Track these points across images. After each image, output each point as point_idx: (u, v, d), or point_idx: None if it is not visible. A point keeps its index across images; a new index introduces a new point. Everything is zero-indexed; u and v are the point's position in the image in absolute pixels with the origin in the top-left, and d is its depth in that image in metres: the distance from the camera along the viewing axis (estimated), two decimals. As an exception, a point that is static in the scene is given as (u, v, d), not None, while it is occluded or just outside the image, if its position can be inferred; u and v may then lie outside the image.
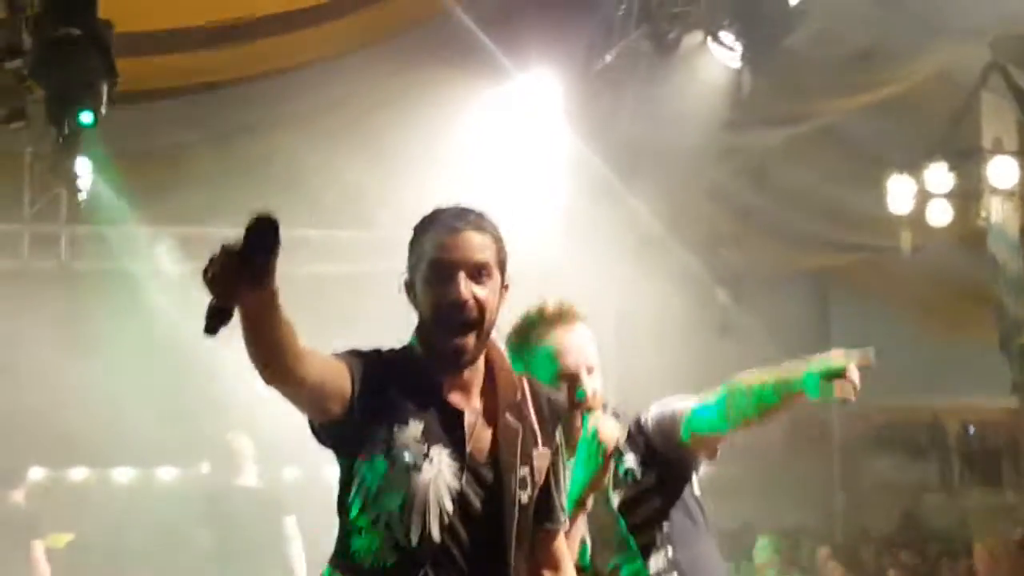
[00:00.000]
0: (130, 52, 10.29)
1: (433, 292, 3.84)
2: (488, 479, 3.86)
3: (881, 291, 16.56)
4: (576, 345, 4.69)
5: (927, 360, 16.18)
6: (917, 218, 12.39)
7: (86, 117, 9.37)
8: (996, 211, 12.05)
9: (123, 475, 16.48)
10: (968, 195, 12.26)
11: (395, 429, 3.79)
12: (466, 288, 3.82)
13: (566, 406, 4.18)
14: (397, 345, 4.01)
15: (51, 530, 15.28)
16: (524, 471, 3.90)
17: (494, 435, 3.90)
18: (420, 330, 3.93)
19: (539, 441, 3.97)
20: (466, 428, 3.85)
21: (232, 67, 11.83)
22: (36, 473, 16.67)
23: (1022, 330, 12.51)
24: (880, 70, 11.14)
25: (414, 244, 3.93)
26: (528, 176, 12.46)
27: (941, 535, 15.78)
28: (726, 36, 10.14)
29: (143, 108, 11.49)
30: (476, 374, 3.93)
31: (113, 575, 13.75)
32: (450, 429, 3.83)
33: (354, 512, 3.86)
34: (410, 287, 3.94)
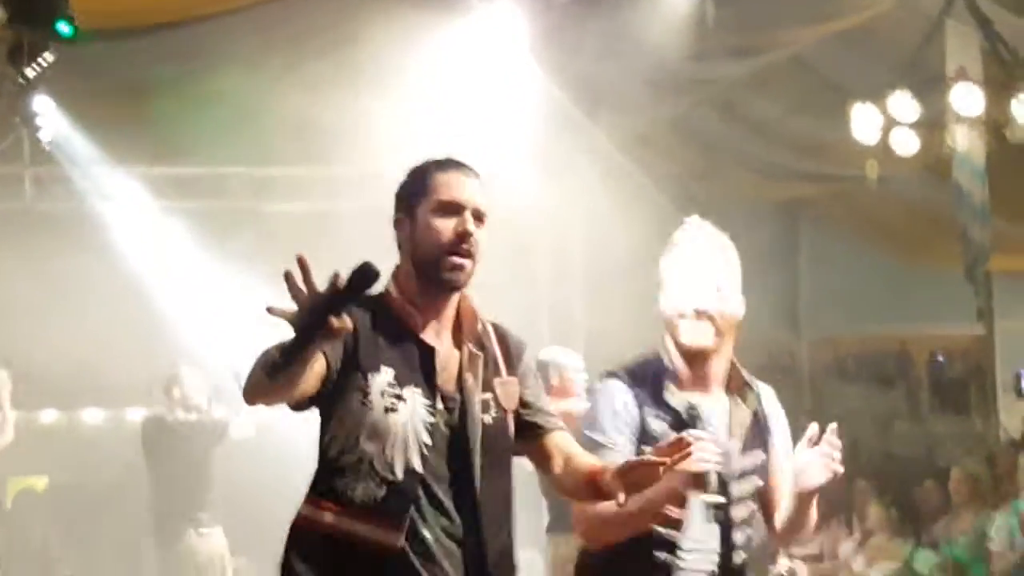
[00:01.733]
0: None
1: (443, 225, 4.28)
2: (456, 402, 4.25)
3: (848, 221, 16.60)
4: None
5: (894, 289, 16.24)
6: (882, 147, 12.39)
7: (64, 27, 9.27)
8: (961, 140, 12.04)
9: (93, 416, 16.49)
10: (933, 124, 12.25)
11: (368, 377, 4.15)
12: (471, 225, 4.30)
13: (523, 347, 4.56)
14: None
15: (24, 473, 15.36)
16: (487, 396, 4.31)
17: (460, 362, 4.32)
18: (414, 263, 4.33)
19: (502, 371, 4.40)
20: (437, 364, 4.23)
21: (191, 5, 11.74)
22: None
23: (987, 258, 12.56)
24: (844, -1, 11.12)
25: (416, 183, 4.39)
26: (491, 110, 12.39)
27: (911, 462, 15.89)
28: (690, -35, 10.13)
29: (102, 47, 11.40)
30: (449, 311, 4.36)
31: (87, 516, 13.79)
32: (423, 366, 4.22)
33: (334, 452, 4.18)
34: (406, 224, 4.38)
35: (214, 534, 11.33)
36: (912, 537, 12.80)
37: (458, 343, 4.34)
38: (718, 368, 4.96)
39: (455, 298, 4.36)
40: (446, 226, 4.26)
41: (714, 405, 4.91)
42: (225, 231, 13.85)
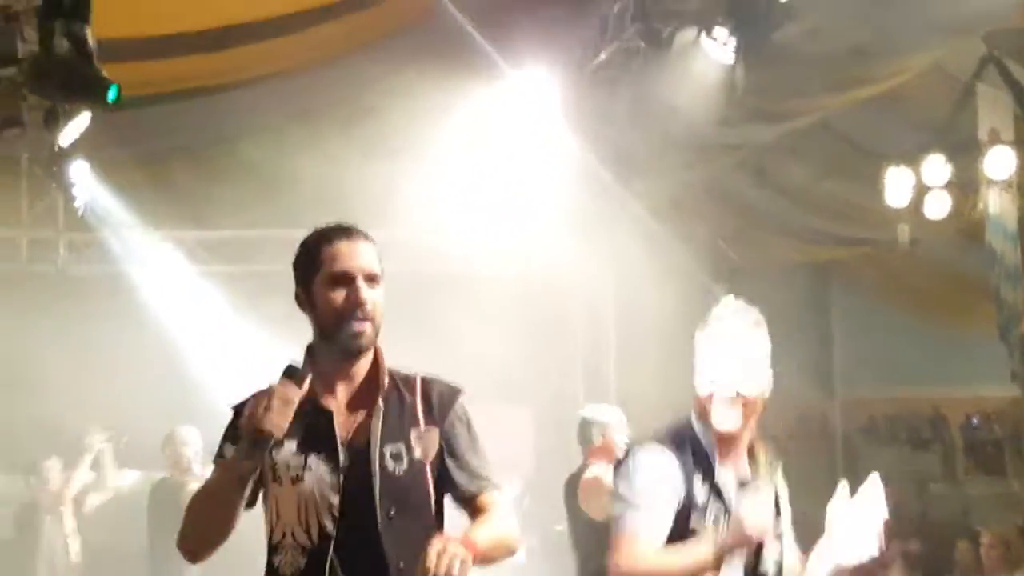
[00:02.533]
0: (120, 58, 10.27)
1: (336, 296, 4.38)
2: (360, 457, 4.34)
3: (881, 284, 16.57)
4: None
5: (928, 351, 16.19)
6: (915, 210, 12.40)
7: (111, 93, 9.38)
8: (993, 202, 12.04)
9: (126, 479, 16.49)
10: (965, 186, 12.25)
11: (274, 454, 4.33)
12: (365, 292, 4.38)
13: (454, 397, 4.53)
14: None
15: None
16: (397, 447, 4.36)
17: (366, 417, 4.40)
18: (319, 335, 4.45)
19: (421, 422, 4.43)
20: (336, 425, 4.35)
21: (223, 72, 11.83)
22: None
23: (1021, 319, 12.52)
24: (875, 64, 11.12)
25: (307, 258, 4.49)
26: (524, 175, 12.46)
27: (945, 525, 15.78)
28: (720, 32, 10.13)
29: (136, 114, 11.49)
30: (360, 370, 4.46)
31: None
32: (323, 430, 4.35)
33: (269, 533, 4.41)
34: (304, 297, 4.49)
35: None
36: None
37: (372, 398, 4.42)
38: (744, 442, 5.07)
39: (367, 358, 4.46)
40: (339, 297, 4.37)
41: (743, 477, 5.04)
42: (258, 294, 13.91)
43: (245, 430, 4.17)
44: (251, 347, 13.75)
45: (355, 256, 4.42)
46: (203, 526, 4.27)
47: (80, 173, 12.09)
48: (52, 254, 14.23)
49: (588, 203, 12.99)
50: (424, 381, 4.53)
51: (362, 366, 4.45)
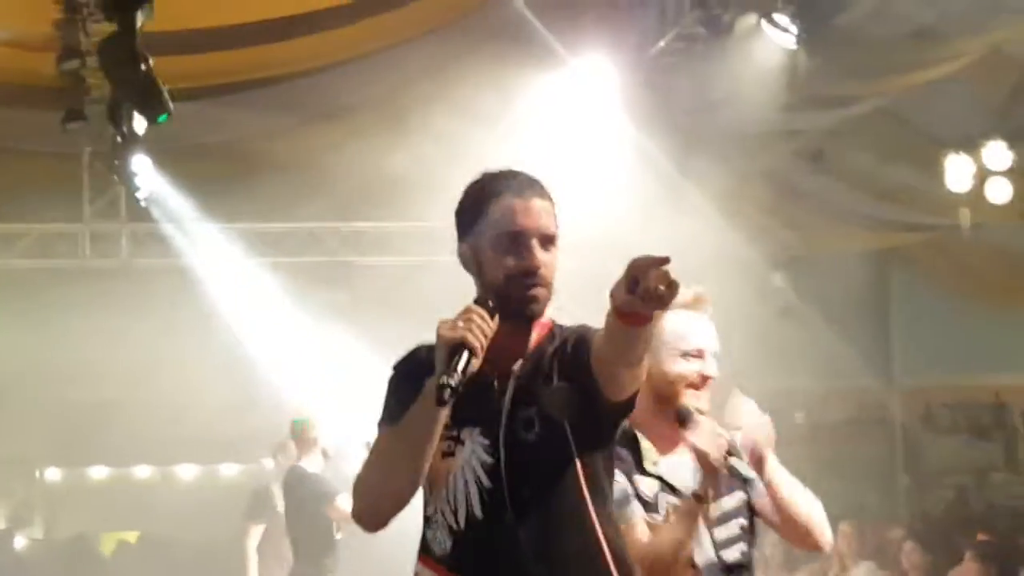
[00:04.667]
0: (187, 49, 10.35)
1: (507, 259, 3.83)
2: (497, 429, 3.84)
3: (941, 270, 16.47)
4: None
5: (989, 338, 16.07)
6: (976, 196, 12.33)
7: (161, 118, 9.43)
8: (1055, 187, 11.98)
9: (186, 472, 16.62)
10: (1027, 172, 12.19)
11: None
12: (539, 256, 3.84)
13: (590, 337, 3.86)
14: None
15: (117, 527, 15.47)
16: (528, 412, 3.81)
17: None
18: (486, 294, 3.86)
19: (554, 377, 3.86)
20: (496, 395, 3.83)
21: (289, 61, 11.89)
22: (100, 472, 16.87)
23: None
24: (935, 48, 11.06)
25: (476, 209, 3.93)
26: (584, 163, 12.45)
27: (1010, 515, 15.68)
28: (780, 17, 10.09)
29: (200, 105, 11.56)
30: (520, 336, 3.90)
31: (180, 568, 13.86)
32: (482, 402, 3.81)
33: (423, 503, 3.91)
34: (469, 255, 3.94)
35: None
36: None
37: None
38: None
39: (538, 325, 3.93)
40: (511, 259, 3.82)
41: (684, 462, 4.81)
42: (318, 285, 13.96)
43: (441, 343, 3.62)
44: (312, 337, 13.82)
45: (530, 215, 3.86)
46: (391, 479, 3.75)
47: (142, 165, 12.16)
48: (115, 247, 14.33)
49: (647, 191, 12.97)
50: (564, 330, 3.98)
51: (522, 331, 3.89)
